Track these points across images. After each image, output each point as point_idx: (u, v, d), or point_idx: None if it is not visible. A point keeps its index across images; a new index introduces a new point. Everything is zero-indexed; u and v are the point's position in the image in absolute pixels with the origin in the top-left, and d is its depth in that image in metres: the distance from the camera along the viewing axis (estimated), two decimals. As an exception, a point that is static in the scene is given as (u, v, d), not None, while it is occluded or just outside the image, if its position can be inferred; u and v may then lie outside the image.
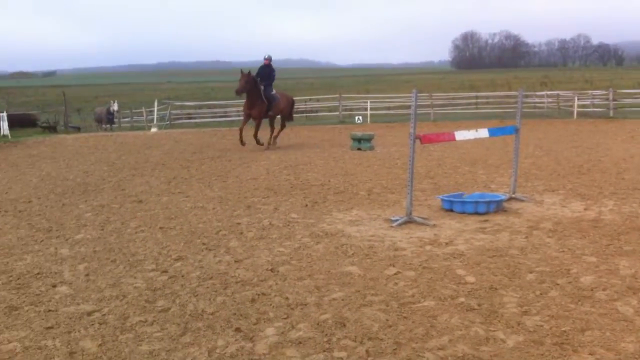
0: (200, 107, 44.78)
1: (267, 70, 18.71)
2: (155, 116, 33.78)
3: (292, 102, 20.79)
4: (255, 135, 18.44)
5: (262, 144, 18.67)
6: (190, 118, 39.72)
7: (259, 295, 5.37)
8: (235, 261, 6.48)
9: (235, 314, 4.95)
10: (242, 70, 18.33)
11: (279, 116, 19.66)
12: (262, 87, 18.43)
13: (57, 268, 6.49)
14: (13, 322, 4.96)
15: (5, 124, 29.69)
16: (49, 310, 5.21)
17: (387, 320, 4.71)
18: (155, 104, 34.47)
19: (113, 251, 7.09)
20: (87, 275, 6.21)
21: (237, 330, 4.62)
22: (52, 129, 33.89)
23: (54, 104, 36.48)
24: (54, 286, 5.88)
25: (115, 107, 36.07)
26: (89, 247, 7.34)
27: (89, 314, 5.11)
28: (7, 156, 19.29)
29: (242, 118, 20.02)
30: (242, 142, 18.20)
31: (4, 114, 30.11)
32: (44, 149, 21.74)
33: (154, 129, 30.35)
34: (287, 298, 5.26)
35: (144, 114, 37.89)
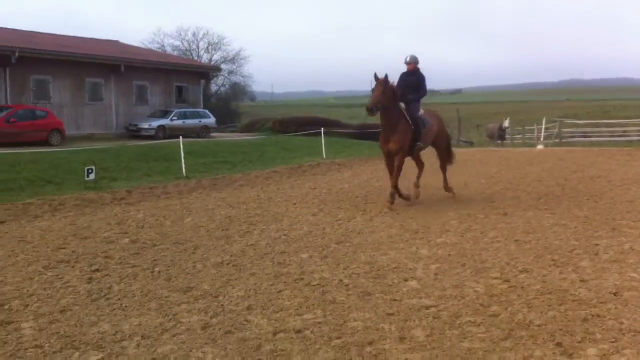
0: (597, 125, 42.71)
1: (412, 79, 12.04)
2: (543, 134, 33.35)
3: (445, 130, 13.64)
4: (395, 185, 11.52)
5: (406, 197, 11.90)
6: (585, 136, 38.17)
7: (592, 316, 5.21)
8: (581, 281, 6.31)
9: (561, 329, 4.91)
10: (375, 74, 11.22)
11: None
12: (401, 105, 11.68)
13: (413, 265, 7.15)
14: (363, 305, 5.71)
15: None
16: (395, 300, 5.85)
17: None
18: (544, 121, 34.07)
19: (465, 256, 7.49)
20: (436, 274, 6.73)
21: (559, 345, 4.59)
22: (444, 143, 36.02)
23: (454, 120, 38.65)
24: (406, 280, 6.53)
25: (506, 124, 36.65)
26: (446, 250, 7.87)
27: (427, 308, 5.60)
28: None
29: None
30: (398, 192, 11.66)
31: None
32: (432, 161, 23.27)
33: (540, 146, 30.04)
34: (621, 323, 5.00)
35: (536, 132, 37.72)
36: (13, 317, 5.51)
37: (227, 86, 67.36)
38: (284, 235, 8.99)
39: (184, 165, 17.28)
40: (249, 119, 52.49)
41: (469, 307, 5.59)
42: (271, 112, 63.20)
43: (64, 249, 8.22)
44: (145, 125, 31.53)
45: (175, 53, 60.88)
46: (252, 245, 8.35)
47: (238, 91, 68.91)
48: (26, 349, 4.78)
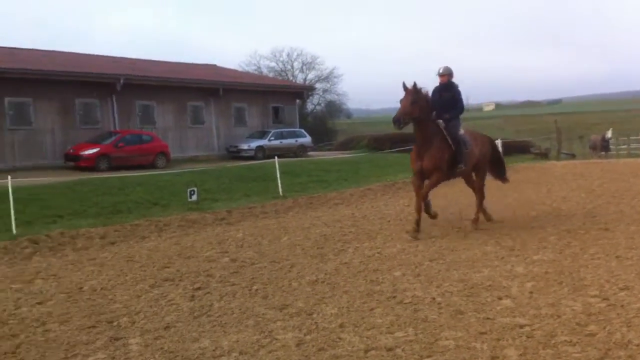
0: None
1: (447, 95, 10.60)
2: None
3: (494, 147, 12.17)
4: (425, 195, 10.31)
5: (434, 214, 10.84)
6: None
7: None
8: (686, 298, 6.04)
9: (662, 350, 4.74)
10: (403, 83, 9.96)
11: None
12: (440, 122, 10.40)
13: (507, 283, 7.07)
14: (455, 324, 5.73)
15: (500, 150, 32.16)
16: (487, 318, 5.82)
17: None
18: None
19: (563, 274, 7.33)
20: (531, 292, 6.63)
21: (658, 365, 4.45)
22: (543, 155, 34.93)
23: (553, 132, 37.50)
24: (500, 298, 6.48)
25: (609, 134, 35.26)
26: (542, 267, 7.72)
27: (521, 326, 5.54)
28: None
29: None
30: (430, 213, 10.71)
31: (499, 141, 32.74)
32: (530, 174, 22.74)
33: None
34: None
35: (641, 141, 36.04)
36: (121, 333, 5.89)
37: (322, 104, 68.35)
38: (377, 252, 9.09)
39: (280, 185, 17.72)
40: (345, 136, 52.90)
41: (565, 326, 5.49)
42: (367, 129, 63.42)
43: (169, 267, 8.67)
44: (245, 146, 32.50)
45: (271, 74, 62.46)
46: (345, 263, 8.50)
47: (333, 109, 69.71)
48: (133, 363, 5.12)
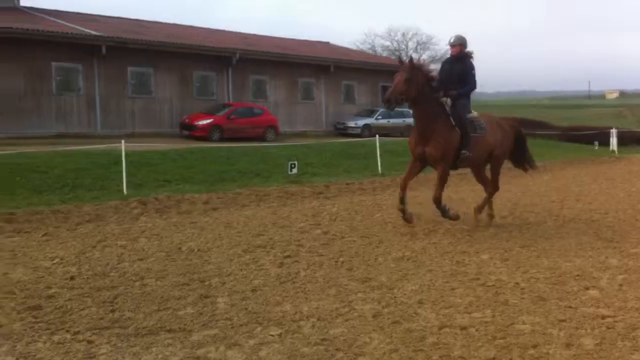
0: None
1: (457, 67, 9.40)
2: None
3: (519, 135, 10.49)
4: (438, 199, 9.22)
5: (454, 216, 9.51)
6: None
7: None
8: None
9: None
10: (399, 58, 9.58)
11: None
12: (446, 101, 9.19)
13: (598, 274, 6.90)
14: (535, 309, 5.69)
15: (615, 140, 31.15)
16: (569, 307, 5.74)
17: None
18: None
19: (660, 269, 7.05)
20: (620, 285, 6.45)
21: None
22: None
23: None
24: (586, 289, 6.34)
25: None
26: (638, 261, 7.45)
27: (603, 317, 5.44)
28: (607, 170, 20.04)
29: None
30: (403, 211, 9.28)
31: (614, 131, 31.43)
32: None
33: None
34: None
35: None
36: (211, 292, 6.26)
37: (434, 85, 67.32)
38: (468, 235, 9.05)
39: (379, 163, 17.81)
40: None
41: (648, 319, 5.33)
42: (478, 112, 62.12)
43: (263, 235, 9.02)
44: (352, 124, 32.71)
45: (385, 53, 62.27)
46: (434, 243, 8.54)
47: (445, 90, 68.51)
48: (217, 320, 5.44)
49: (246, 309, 5.75)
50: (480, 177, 10.41)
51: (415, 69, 8.65)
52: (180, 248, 8.14)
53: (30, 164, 14.57)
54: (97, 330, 5.13)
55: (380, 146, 18.17)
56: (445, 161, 9.01)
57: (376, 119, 33.00)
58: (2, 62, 23.88)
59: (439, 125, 8.86)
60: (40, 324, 5.25)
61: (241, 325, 5.33)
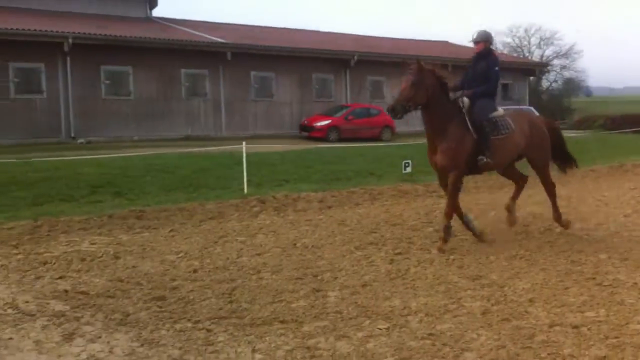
0: None
1: (480, 66, 8.53)
2: None
3: (556, 132, 9.44)
4: (452, 212, 8.13)
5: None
6: None
7: None
8: None
9: None
10: (404, 60, 8.44)
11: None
12: (462, 101, 8.18)
13: None
14: None
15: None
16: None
17: None
18: None
19: None
20: None
21: None
22: None
23: None
24: None
25: None
26: None
27: None
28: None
29: None
30: (473, 230, 8.50)
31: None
32: None
33: None
34: None
35: None
36: (323, 287, 6.50)
37: (559, 82, 64.63)
38: (586, 235, 8.77)
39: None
40: (581, 115, 49.79)
41: None
42: (606, 108, 58.98)
43: (375, 232, 9.17)
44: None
45: (506, 50, 60.42)
46: (549, 242, 8.34)
47: (571, 87, 65.55)
48: (327, 313, 5.66)
49: (356, 303, 5.94)
50: (508, 174, 9.48)
51: (423, 72, 7.84)
52: (295, 244, 8.45)
53: (161, 164, 15.59)
54: (216, 320, 5.49)
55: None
56: (456, 171, 8.02)
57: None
58: (138, 70, 25.61)
59: (450, 129, 7.98)
60: (164, 313, 5.69)
61: (350, 318, 5.52)
